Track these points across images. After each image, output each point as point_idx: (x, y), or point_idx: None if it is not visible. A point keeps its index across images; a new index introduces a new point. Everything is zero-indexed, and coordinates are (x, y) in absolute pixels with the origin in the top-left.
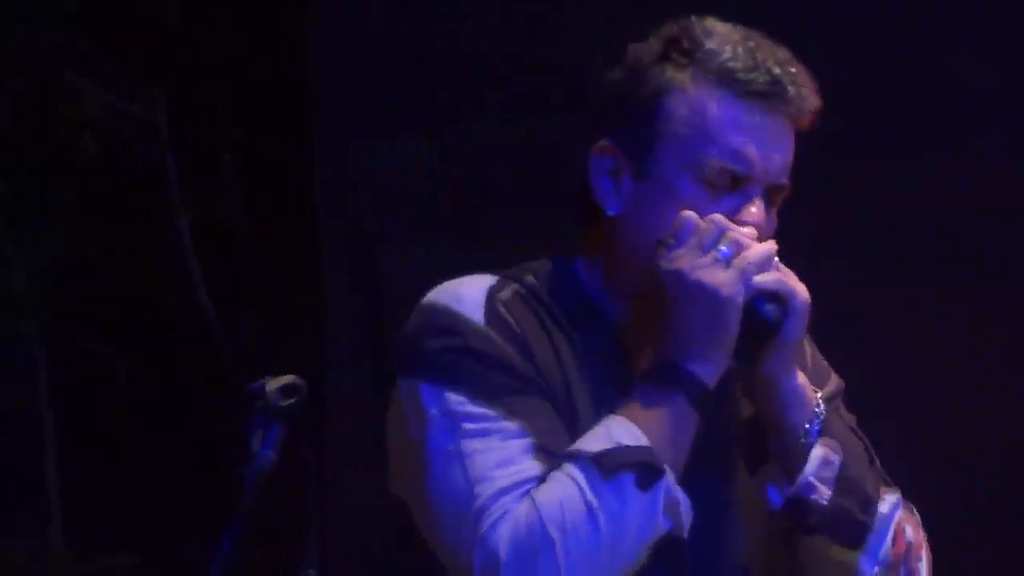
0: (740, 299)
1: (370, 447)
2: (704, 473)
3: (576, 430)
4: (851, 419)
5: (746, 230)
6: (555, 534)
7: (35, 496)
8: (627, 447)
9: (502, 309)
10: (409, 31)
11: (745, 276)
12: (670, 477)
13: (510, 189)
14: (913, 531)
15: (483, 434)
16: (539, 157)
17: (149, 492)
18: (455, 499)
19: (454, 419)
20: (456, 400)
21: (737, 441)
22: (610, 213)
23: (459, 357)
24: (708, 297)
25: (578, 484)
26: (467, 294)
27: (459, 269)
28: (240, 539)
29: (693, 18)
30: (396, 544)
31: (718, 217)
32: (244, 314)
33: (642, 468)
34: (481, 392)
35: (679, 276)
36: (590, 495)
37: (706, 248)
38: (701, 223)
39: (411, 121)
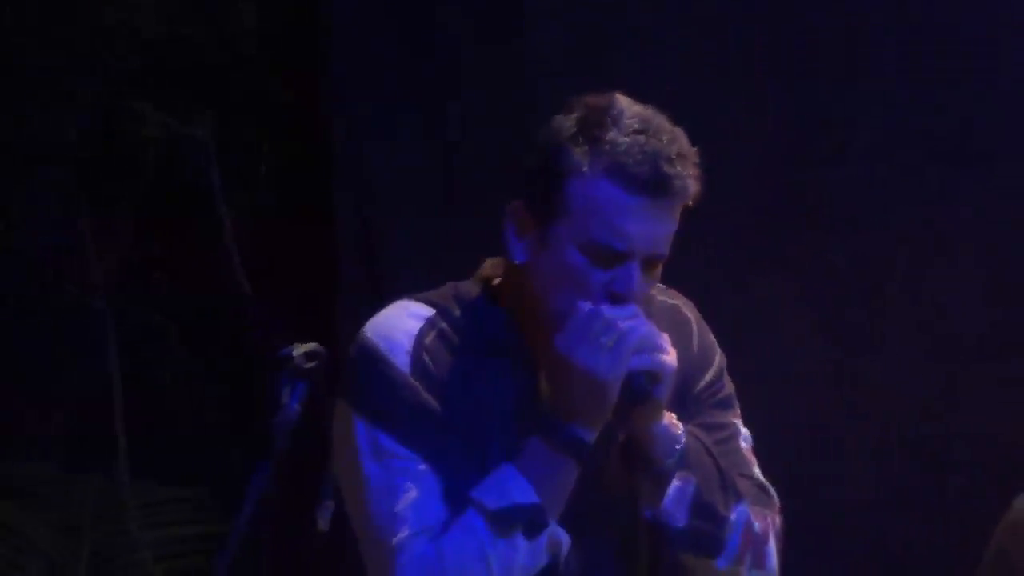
0: (618, 381)
1: None
2: (588, 488)
3: (489, 455)
4: (731, 389)
5: (625, 313)
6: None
7: (106, 439)
8: (520, 505)
9: (426, 358)
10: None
11: (623, 362)
12: (554, 527)
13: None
14: (760, 522)
15: (403, 474)
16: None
17: (198, 436)
18: (379, 526)
19: (383, 455)
20: (385, 439)
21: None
22: (518, 260)
23: (389, 404)
24: (590, 379)
25: (477, 536)
26: (396, 339)
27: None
28: (272, 474)
29: (609, 99)
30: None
31: (607, 312)
32: (275, 293)
33: (531, 524)
34: (405, 436)
35: (569, 359)
36: (487, 548)
37: (593, 336)
38: (594, 314)
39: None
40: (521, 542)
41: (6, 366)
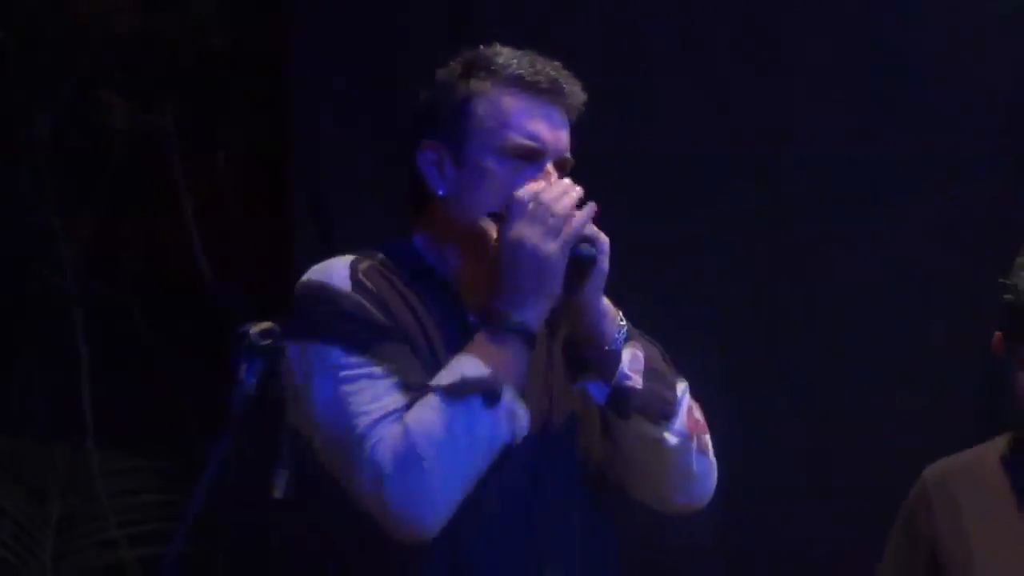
0: (564, 260)
1: None
2: (538, 392)
3: (436, 364)
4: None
5: (563, 189)
6: (423, 447)
7: (74, 412)
8: (473, 378)
9: (363, 278)
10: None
11: (569, 241)
12: (508, 395)
13: None
14: (700, 414)
15: (356, 379)
16: None
17: (161, 410)
18: (339, 434)
19: (333, 370)
20: (333, 354)
21: (562, 358)
22: (439, 194)
23: (334, 320)
24: (540, 261)
25: (437, 409)
26: (334, 270)
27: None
28: (229, 445)
29: (482, 47)
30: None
31: (544, 195)
32: (233, 274)
33: (485, 391)
34: (353, 346)
35: (519, 244)
36: (447, 416)
37: (539, 220)
38: (532, 201)
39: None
40: (479, 410)
41: None
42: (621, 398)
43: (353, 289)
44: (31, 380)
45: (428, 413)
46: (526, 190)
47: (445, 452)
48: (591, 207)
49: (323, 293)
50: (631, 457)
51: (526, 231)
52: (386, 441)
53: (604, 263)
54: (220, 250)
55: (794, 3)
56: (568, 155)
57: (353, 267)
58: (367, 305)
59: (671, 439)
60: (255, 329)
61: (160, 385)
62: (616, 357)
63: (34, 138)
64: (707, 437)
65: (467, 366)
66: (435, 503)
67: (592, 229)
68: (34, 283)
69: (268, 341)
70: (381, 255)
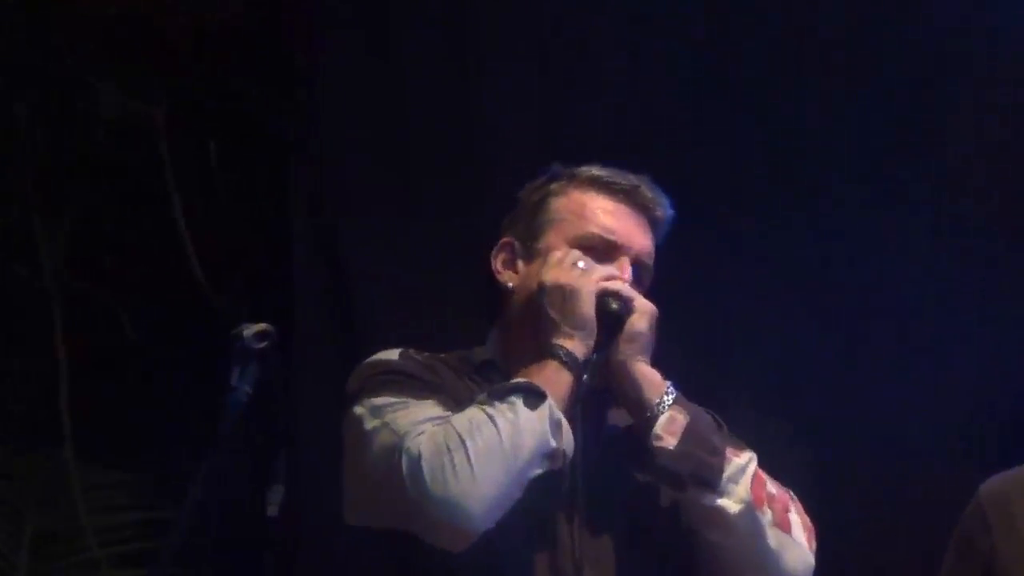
0: (590, 290)
1: (330, 387)
2: (601, 464)
3: None
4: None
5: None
6: (465, 435)
7: (51, 422)
8: (515, 382)
9: (413, 355)
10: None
11: (595, 279)
12: (552, 403)
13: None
14: (779, 491)
15: (404, 407)
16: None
17: (144, 420)
18: (384, 444)
19: (379, 409)
20: (380, 399)
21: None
22: (508, 286)
23: (382, 376)
24: (562, 290)
25: (478, 405)
26: (386, 351)
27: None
28: (221, 457)
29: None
30: None
31: (575, 251)
32: (225, 275)
33: (527, 392)
34: (399, 391)
35: (543, 283)
36: (489, 409)
37: (563, 264)
38: (566, 252)
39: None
40: (523, 409)
41: None
42: (649, 460)
43: (400, 358)
44: (5, 386)
45: (470, 410)
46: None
47: (487, 439)
48: (624, 268)
49: (371, 364)
50: (707, 541)
51: (551, 272)
52: (427, 435)
53: (640, 323)
54: (212, 249)
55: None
56: (647, 261)
57: (404, 350)
58: (412, 366)
59: (732, 507)
60: (249, 331)
61: (145, 392)
62: (654, 420)
63: (14, 124)
64: (792, 516)
65: (511, 380)
66: (475, 490)
67: (624, 288)
68: (10, 281)
69: (263, 344)
70: (443, 355)
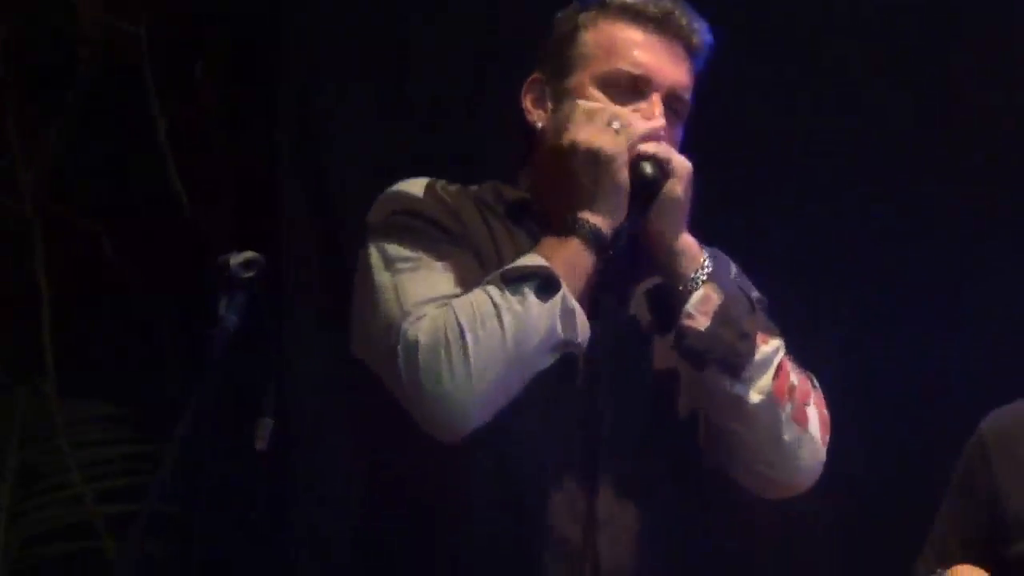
0: (624, 158)
1: (317, 315)
2: (613, 316)
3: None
4: (757, 294)
5: (638, 113)
6: (465, 324)
7: (34, 353)
8: (528, 265)
9: (440, 191)
10: None
11: (629, 140)
12: (567, 292)
13: None
14: (801, 380)
15: (414, 270)
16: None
17: (129, 351)
18: (387, 313)
19: (391, 262)
20: (394, 248)
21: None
22: (538, 126)
23: (400, 218)
24: (595, 156)
25: (487, 291)
26: (413, 182)
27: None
28: (209, 389)
29: None
30: None
31: (614, 106)
32: (211, 200)
33: (540, 280)
34: (416, 241)
35: (573, 144)
36: (497, 298)
37: (595, 121)
38: (597, 107)
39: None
40: (532, 299)
41: None
42: (679, 336)
43: (425, 195)
44: None
45: (477, 295)
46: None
47: (489, 332)
48: (660, 121)
49: (394, 196)
50: (719, 422)
51: (582, 131)
52: (428, 318)
53: (676, 189)
54: (196, 172)
55: None
56: (682, 96)
57: (431, 182)
58: (436, 208)
59: (753, 397)
60: (236, 260)
61: (130, 322)
62: (687, 296)
63: None
64: (810, 409)
65: (525, 259)
66: (472, 385)
67: (662, 149)
68: None
69: (251, 273)
70: (474, 188)
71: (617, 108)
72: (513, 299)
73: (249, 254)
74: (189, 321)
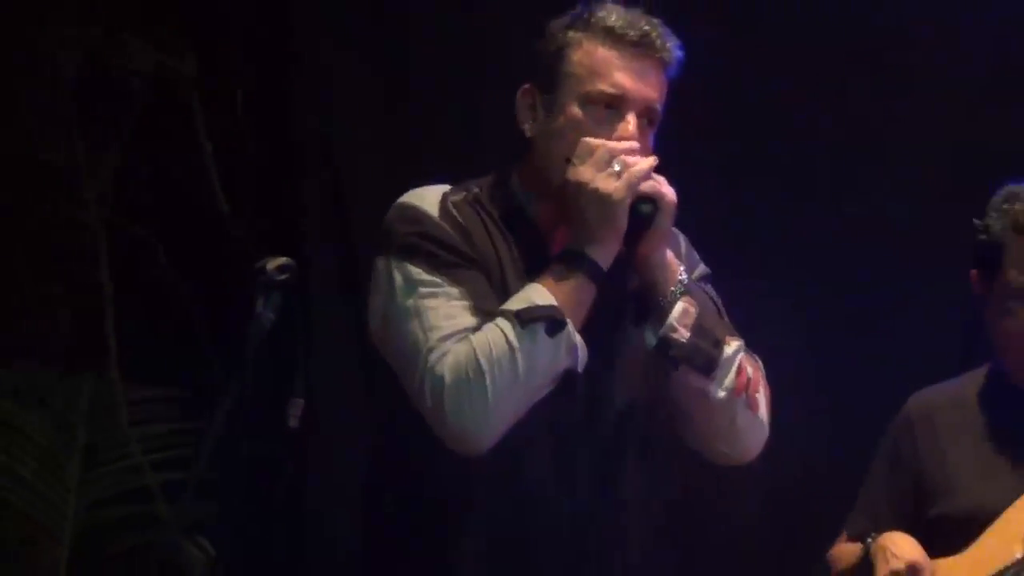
0: (627, 203)
1: (342, 309)
2: (601, 328)
3: (506, 297)
4: (713, 292)
5: (626, 145)
6: (485, 365)
7: (98, 344)
8: (540, 305)
9: (452, 208)
10: None
11: (631, 185)
12: (571, 327)
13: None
14: (753, 370)
15: (433, 296)
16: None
17: (180, 341)
18: (414, 340)
19: (413, 284)
20: (415, 271)
21: (627, 305)
22: (528, 135)
23: (419, 240)
24: (602, 202)
25: (503, 331)
26: (428, 196)
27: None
28: (248, 373)
29: (595, 2)
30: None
31: (611, 143)
32: (250, 213)
33: (550, 320)
34: (433, 265)
35: (581, 186)
36: (512, 338)
37: (601, 164)
38: (598, 146)
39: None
40: (543, 338)
41: (4, 275)
42: (666, 347)
43: (440, 216)
44: (57, 312)
45: (494, 334)
46: (595, 138)
47: (505, 371)
48: (652, 158)
49: (412, 214)
50: (683, 407)
51: (589, 173)
52: (451, 357)
53: (665, 222)
54: (237, 189)
55: None
56: (656, 107)
57: (445, 197)
58: (451, 232)
59: (717, 393)
60: (272, 265)
61: (179, 316)
62: (667, 308)
63: (61, 79)
64: (759, 396)
65: (535, 295)
66: (489, 417)
67: (654, 187)
68: (58, 216)
69: (285, 276)
70: (476, 190)
71: (615, 146)
72: (526, 338)
73: (283, 259)
74: (228, 315)
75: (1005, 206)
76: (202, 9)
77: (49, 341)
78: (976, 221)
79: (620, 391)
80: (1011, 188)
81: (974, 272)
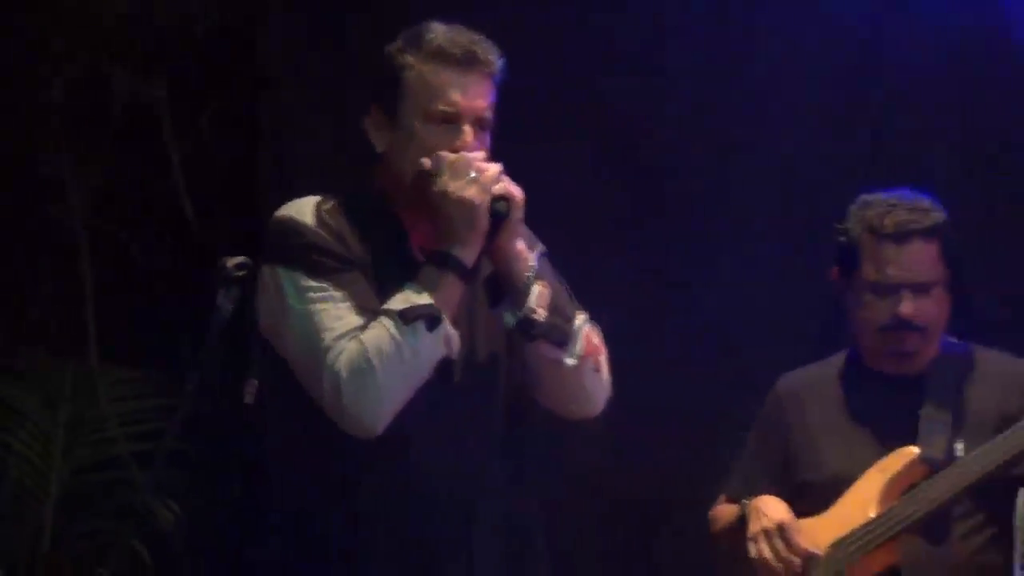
0: (485, 205)
1: None
2: (467, 319)
3: (381, 292)
4: (550, 268)
5: (478, 154)
6: (376, 360)
7: (80, 329)
8: (419, 305)
9: (326, 216)
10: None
11: (486, 189)
12: (446, 322)
13: None
14: (597, 339)
15: (322, 300)
16: None
17: (154, 326)
18: (309, 343)
19: (302, 291)
20: (302, 279)
21: (482, 291)
22: (379, 151)
23: (302, 250)
24: (465, 207)
25: (388, 330)
26: (303, 207)
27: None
28: (211, 357)
29: (423, 24)
30: None
31: (466, 154)
32: (213, 214)
33: (429, 317)
34: (318, 272)
35: (445, 196)
36: (397, 335)
37: (460, 174)
38: (456, 159)
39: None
40: (424, 333)
41: (4, 274)
42: (527, 326)
43: (317, 225)
44: (46, 301)
45: (381, 332)
46: (448, 152)
47: (393, 365)
48: (498, 164)
49: (292, 226)
50: (539, 374)
51: (451, 184)
52: (346, 354)
53: (516, 215)
54: (202, 197)
55: None
56: (486, 115)
57: (318, 205)
58: (328, 238)
59: (569, 361)
60: (231, 262)
61: (153, 307)
62: (525, 292)
63: (52, 101)
64: (602, 358)
65: (414, 295)
66: (382, 405)
67: (505, 187)
68: (47, 221)
69: (242, 272)
70: (343, 197)
71: (469, 157)
72: (409, 334)
73: (240, 258)
74: (196, 306)
75: (861, 212)
76: (173, 41)
77: (40, 327)
78: (837, 225)
79: (485, 367)
80: (865, 197)
81: (835, 269)
